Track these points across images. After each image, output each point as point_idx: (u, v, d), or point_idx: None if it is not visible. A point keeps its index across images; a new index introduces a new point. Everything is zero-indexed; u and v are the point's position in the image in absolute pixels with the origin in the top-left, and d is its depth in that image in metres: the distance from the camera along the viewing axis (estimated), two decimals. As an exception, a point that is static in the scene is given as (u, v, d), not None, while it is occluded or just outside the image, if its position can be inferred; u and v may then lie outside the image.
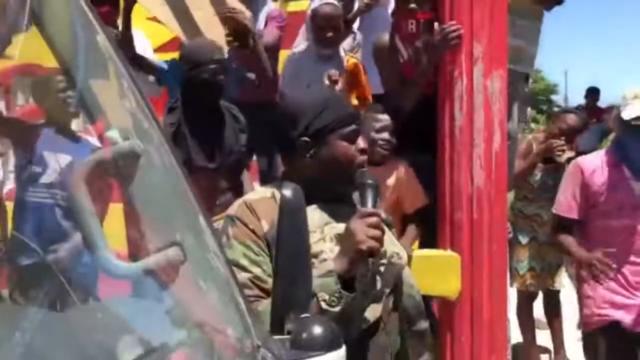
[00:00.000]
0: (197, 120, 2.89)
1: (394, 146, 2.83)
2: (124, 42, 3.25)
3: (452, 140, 2.66)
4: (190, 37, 3.41)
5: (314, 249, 1.49)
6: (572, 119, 4.04)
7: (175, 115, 2.92)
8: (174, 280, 0.96)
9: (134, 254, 1.07)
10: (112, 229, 1.22)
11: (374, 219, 1.47)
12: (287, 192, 1.37)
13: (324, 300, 1.41)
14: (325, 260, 1.48)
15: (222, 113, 2.98)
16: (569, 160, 3.88)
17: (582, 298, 2.86)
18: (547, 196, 4.00)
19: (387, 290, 1.64)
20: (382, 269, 1.61)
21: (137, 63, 3.40)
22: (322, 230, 1.54)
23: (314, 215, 1.55)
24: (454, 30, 2.60)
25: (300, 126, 1.62)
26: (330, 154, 1.62)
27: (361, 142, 1.63)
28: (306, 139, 1.63)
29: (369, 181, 1.57)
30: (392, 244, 1.66)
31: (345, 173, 1.61)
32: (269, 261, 1.51)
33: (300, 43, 3.88)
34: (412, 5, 2.97)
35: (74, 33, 1.05)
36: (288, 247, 1.31)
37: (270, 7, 4.13)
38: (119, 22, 3.49)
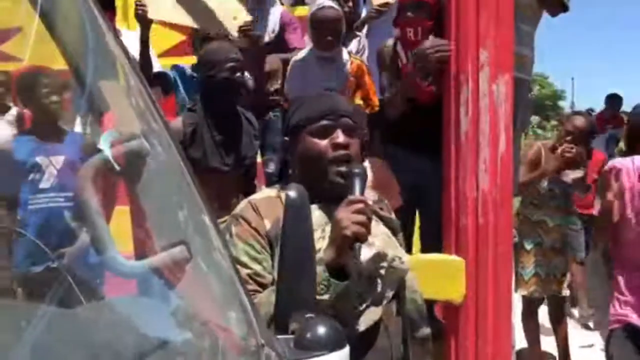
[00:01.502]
0: (215, 122, 2.93)
1: (366, 144, 2.79)
2: (144, 65, 3.30)
3: (457, 145, 2.66)
4: (206, 25, 3.47)
5: None
6: (580, 121, 4.03)
7: (194, 116, 2.96)
8: (179, 279, 0.97)
9: (140, 253, 1.08)
10: (118, 228, 1.23)
11: (359, 205, 1.48)
12: (291, 192, 1.38)
13: None
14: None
15: (240, 117, 3.02)
16: (576, 180, 3.89)
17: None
18: (553, 203, 4.00)
19: (389, 294, 1.64)
20: (382, 272, 1.60)
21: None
22: (323, 229, 1.55)
23: (314, 214, 1.55)
24: (444, 48, 2.64)
25: (284, 127, 1.69)
26: (302, 150, 1.65)
27: (337, 137, 1.62)
28: (286, 138, 1.70)
29: (356, 170, 1.58)
30: (394, 248, 1.66)
31: (317, 168, 1.62)
32: (270, 258, 1.55)
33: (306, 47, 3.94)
34: (409, 14, 2.98)
35: (83, 34, 1.06)
36: (292, 246, 1.32)
37: (279, 9, 4.19)
38: (117, 26, 3.54)
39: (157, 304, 0.99)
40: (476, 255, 2.66)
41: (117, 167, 0.97)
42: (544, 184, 4.00)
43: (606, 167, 2.92)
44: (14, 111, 4.04)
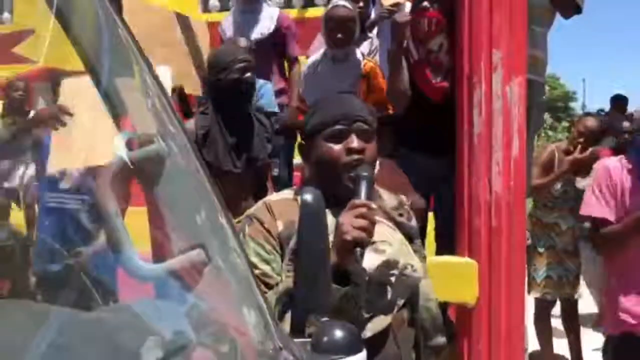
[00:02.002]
0: (226, 124, 2.94)
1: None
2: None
3: (470, 147, 2.65)
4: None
5: None
6: (591, 121, 4.01)
7: (206, 118, 2.97)
8: (197, 282, 0.97)
9: (158, 256, 1.09)
10: (136, 231, 1.23)
11: (362, 210, 1.46)
12: (307, 196, 1.38)
13: None
14: None
15: (252, 119, 3.02)
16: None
17: (607, 303, 2.81)
18: (567, 206, 3.98)
19: (400, 302, 1.62)
20: (393, 279, 1.59)
21: None
22: (335, 235, 1.55)
23: (328, 218, 1.54)
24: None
25: (301, 132, 1.71)
26: (316, 155, 1.65)
27: (351, 142, 1.62)
28: (302, 142, 1.71)
29: (363, 173, 1.57)
30: (407, 255, 1.64)
31: (332, 173, 1.61)
32: (280, 259, 1.55)
33: (316, 48, 3.95)
34: (425, 4, 2.98)
35: (99, 33, 1.06)
36: (308, 250, 1.32)
37: (276, 11, 4.21)
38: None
39: (174, 307, 0.99)
40: (489, 258, 2.65)
41: (136, 170, 0.97)
42: (557, 186, 3.98)
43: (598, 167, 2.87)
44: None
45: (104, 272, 1.12)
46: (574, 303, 4.14)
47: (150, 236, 1.22)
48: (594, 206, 2.71)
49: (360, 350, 1.05)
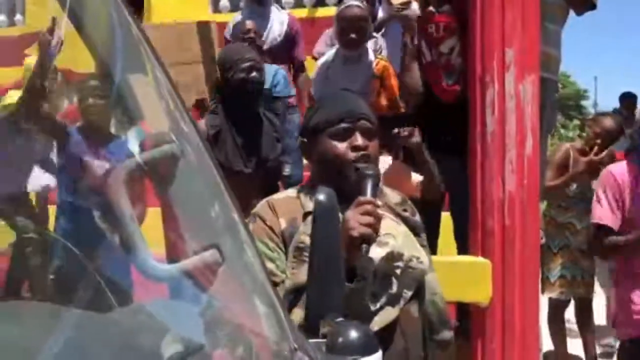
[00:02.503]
0: (236, 124, 2.94)
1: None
2: None
3: (483, 146, 2.64)
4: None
5: None
6: (608, 122, 3.97)
7: (217, 118, 2.97)
8: (211, 282, 0.97)
9: (172, 257, 1.08)
10: (150, 232, 1.23)
11: (368, 207, 1.48)
12: (321, 195, 1.38)
13: None
14: None
15: (261, 119, 3.02)
16: None
17: (618, 304, 2.77)
18: (582, 205, 3.94)
19: (407, 295, 1.62)
20: (398, 271, 1.59)
21: None
22: (341, 231, 1.55)
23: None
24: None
25: (302, 129, 1.71)
26: (321, 152, 1.66)
27: (356, 139, 1.62)
28: (304, 140, 1.70)
29: (369, 171, 1.58)
30: (412, 248, 1.65)
31: (337, 171, 1.62)
32: (284, 257, 1.57)
33: (322, 48, 3.96)
34: (430, 9, 2.98)
35: (112, 32, 1.06)
36: (321, 250, 1.31)
37: (286, 16, 4.20)
38: None
39: (189, 307, 0.99)
40: (503, 257, 2.63)
41: (150, 171, 0.97)
42: (573, 186, 3.95)
43: (603, 174, 2.83)
44: None
45: (118, 273, 1.12)
46: (589, 303, 4.10)
47: (164, 237, 1.22)
48: (597, 213, 2.70)
49: (375, 351, 1.04)
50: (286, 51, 4.13)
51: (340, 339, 1.03)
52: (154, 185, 1.07)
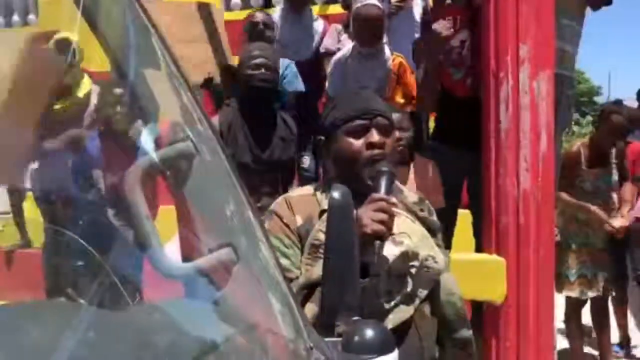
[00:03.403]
0: (249, 120, 2.94)
1: (410, 141, 2.68)
2: None
3: (497, 142, 2.62)
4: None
5: None
6: (617, 118, 3.94)
7: (229, 111, 2.98)
8: (227, 281, 0.96)
9: (187, 255, 1.08)
10: (165, 230, 1.23)
11: (381, 204, 1.49)
12: (335, 193, 1.37)
13: None
14: None
15: (274, 117, 3.02)
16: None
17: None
18: (599, 200, 3.91)
19: (422, 294, 1.61)
20: (413, 271, 1.59)
21: None
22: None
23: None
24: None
25: (319, 126, 1.71)
26: (337, 150, 1.66)
27: (372, 136, 1.62)
28: (321, 137, 1.70)
29: (383, 168, 1.58)
30: (429, 248, 1.64)
31: (352, 168, 1.62)
32: (299, 253, 1.58)
33: (329, 43, 3.99)
34: (448, 1, 2.98)
35: (126, 30, 1.06)
36: (336, 248, 1.30)
37: (321, 22, 4.17)
38: None
39: (205, 306, 0.98)
40: (517, 255, 2.62)
41: (165, 169, 0.96)
42: (587, 183, 3.91)
43: None
44: None
45: (134, 272, 1.12)
46: (605, 301, 4.06)
47: (179, 234, 1.22)
48: (638, 205, 2.66)
49: (392, 350, 1.03)
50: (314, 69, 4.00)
51: (357, 338, 1.02)
52: (168, 183, 1.07)
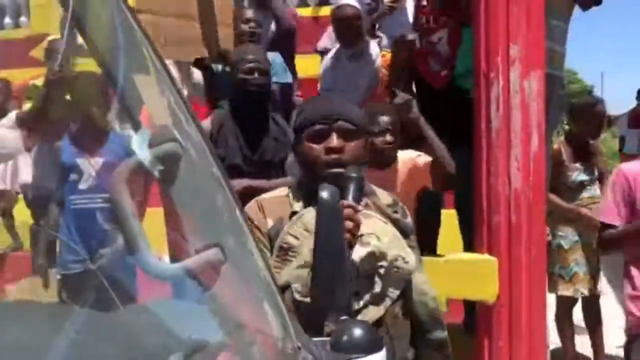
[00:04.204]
0: (238, 121, 2.94)
1: (398, 146, 2.71)
2: None
3: (488, 142, 2.63)
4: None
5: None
6: (601, 108, 4.04)
7: (221, 113, 2.98)
8: (214, 281, 0.96)
9: (175, 256, 1.08)
10: (152, 231, 1.23)
11: (348, 211, 1.51)
12: (324, 193, 1.37)
13: (297, 291, 1.50)
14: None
15: (266, 119, 3.01)
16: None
17: (628, 300, 2.73)
18: (586, 195, 3.92)
19: (393, 294, 1.62)
20: (382, 271, 1.60)
21: None
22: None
23: (309, 216, 1.57)
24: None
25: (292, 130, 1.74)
26: (300, 154, 1.69)
27: (331, 141, 1.63)
28: (292, 142, 1.75)
29: (352, 174, 1.59)
30: (399, 248, 1.64)
31: (312, 172, 1.64)
32: (269, 255, 1.59)
33: (325, 43, 4.01)
34: (423, 2, 3.18)
35: (114, 33, 1.06)
36: (325, 248, 1.31)
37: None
38: None
39: (192, 306, 0.98)
40: (509, 254, 2.62)
41: (152, 169, 0.96)
42: (571, 177, 3.92)
43: (614, 173, 2.77)
44: (12, 114, 4.15)
45: (121, 273, 1.12)
46: (596, 299, 4.07)
47: (167, 236, 1.22)
48: (601, 209, 2.65)
49: (380, 349, 1.03)
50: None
51: (345, 337, 1.02)
52: (156, 184, 1.07)
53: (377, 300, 1.59)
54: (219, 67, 3.59)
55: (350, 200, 1.54)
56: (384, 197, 1.77)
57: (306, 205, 1.62)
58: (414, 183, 2.71)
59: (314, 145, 1.64)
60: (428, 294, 1.75)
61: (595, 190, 3.97)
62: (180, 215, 1.05)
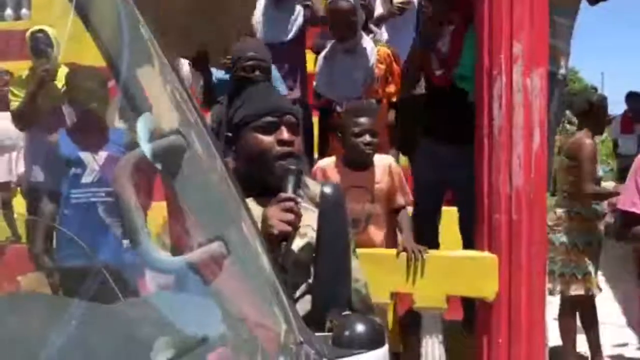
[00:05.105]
0: None
1: (376, 146, 2.76)
2: None
3: (490, 140, 2.63)
4: None
5: None
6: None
7: (221, 109, 2.98)
8: (217, 275, 0.96)
9: (177, 249, 1.08)
10: (155, 224, 1.23)
11: (289, 204, 1.51)
12: (328, 190, 1.37)
13: None
14: None
15: None
16: None
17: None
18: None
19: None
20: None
21: None
22: (261, 227, 1.55)
23: (250, 205, 1.55)
24: None
25: (227, 123, 1.73)
26: (245, 146, 1.67)
27: (282, 133, 1.63)
28: (228, 134, 1.71)
29: (291, 167, 1.59)
30: None
31: (261, 164, 1.63)
32: None
33: (319, 41, 4.04)
34: (423, 3, 3.18)
35: (119, 25, 1.05)
36: (328, 245, 1.30)
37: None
38: None
39: (194, 300, 0.98)
40: (509, 252, 2.62)
41: (155, 162, 0.96)
42: (599, 172, 3.94)
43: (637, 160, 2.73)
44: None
45: (123, 265, 1.12)
46: (591, 299, 4.05)
47: (169, 229, 1.22)
48: (622, 199, 2.62)
49: (382, 345, 1.03)
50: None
51: (347, 332, 1.02)
52: (159, 176, 1.07)
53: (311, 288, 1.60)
54: (221, 73, 3.61)
55: (289, 193, 1.54)
56: (315, 187, 1.79)
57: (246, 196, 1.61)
58: (390, 187, 2.75)
59: (265, 137, 1.63)
60: (360, 280, 1.76)
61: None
62: (183, 208, 1.04)
